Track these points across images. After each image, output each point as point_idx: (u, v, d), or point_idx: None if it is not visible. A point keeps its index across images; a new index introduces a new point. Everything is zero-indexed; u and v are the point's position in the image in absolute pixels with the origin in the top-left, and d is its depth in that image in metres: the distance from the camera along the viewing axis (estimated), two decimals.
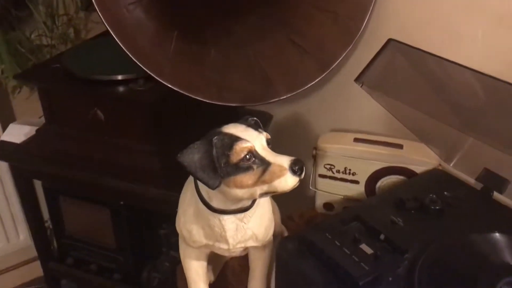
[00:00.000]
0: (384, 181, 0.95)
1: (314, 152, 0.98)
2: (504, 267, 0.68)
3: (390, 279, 0.66)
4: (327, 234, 0.70)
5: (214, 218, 0.67)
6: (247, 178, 0.61)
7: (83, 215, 1.15)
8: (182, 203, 0.73)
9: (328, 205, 1.01)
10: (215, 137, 0.61)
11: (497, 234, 0.72)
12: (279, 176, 0.60)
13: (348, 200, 0.98)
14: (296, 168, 0.60)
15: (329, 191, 0.99)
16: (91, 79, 0.99)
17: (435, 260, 0.69)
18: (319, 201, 1.01)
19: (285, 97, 0.94)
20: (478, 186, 0.85)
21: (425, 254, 0.69)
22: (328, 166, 0.97)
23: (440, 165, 0.91)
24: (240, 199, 0.65)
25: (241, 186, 0.61)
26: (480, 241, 0.72)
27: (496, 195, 0.83)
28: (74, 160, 1.05)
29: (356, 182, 0.96)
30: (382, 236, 0.72)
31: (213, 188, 0.61)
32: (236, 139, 0.61)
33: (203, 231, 0.70)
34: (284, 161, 0.61)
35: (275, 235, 0.79)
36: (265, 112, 1.19)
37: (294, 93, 0.94)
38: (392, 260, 0.68)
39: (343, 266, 0.65)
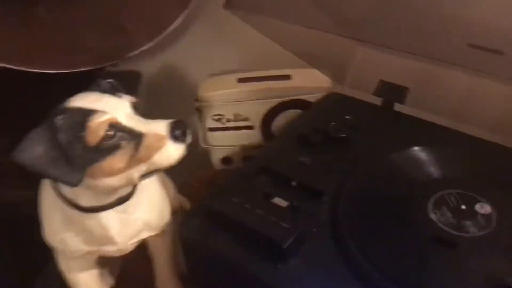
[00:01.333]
0: (280, 120, 0.85)
1: (196, 104, 0.85)
2: (432, 181, 0.62)
3: (315, 230, 0.57)
4: (233, 199, 0.59)
5: (90, 219, 0.52)
6: (116, 160, 0.47)
7: None
8: (44, 210, 0.56)
9: (226, 160, 0.89)
10: (59, 117, 0.45)
11: (415, 148, 0.65)
12: (158, 148, 0.47)
13: (246, 149, 0.87)
14: (177, 132, 0.47)
15: (223, 144, 0.87)
16: None
17: (357, 192, 0.61)
18: (215, 158, 0.90)
19: (147, 47, 0.79)
20: (379, 101, 0.79)
21: (344, 189, 0.61)
22: (216, 117, 0.85)
23: (334, 88, 0.83)
24: (115, 189, 0.50)
25: (112, 173, 0.47)
26: (400, 159, 0.65)
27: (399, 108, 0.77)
28: None
29: (250, 127, 0.86)
30: (293, 183, 0.63)
31: (75, 185, 0.46)
32: (88, 113, 0.46)
33: (80, 238, 0.55)
34: (160, 127, 0.47)
35: (173, 211, 0.66)
36: (132, 71, 1.01)
37: (157, 40, 0.79)
38: (311, 208, 0.59)
39: (260, 232, 0.55)
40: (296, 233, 0.54)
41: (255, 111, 0.85)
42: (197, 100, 0.85)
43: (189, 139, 0.48)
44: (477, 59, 0.62)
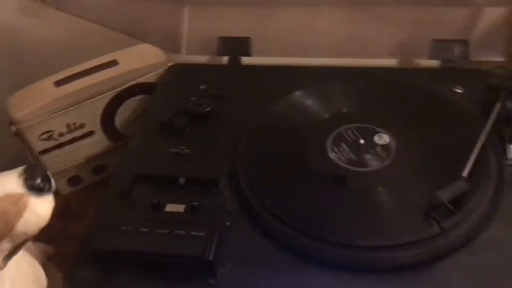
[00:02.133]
0: (123, 113, 0.73)
1: (13, 129, 0.67)
2: (324, 122, 0.59)
3: (228, 223, 0.49)
4: (122, 227, 0.47)
5: None
6: None
7: None
8: None
9: (73, 180, 0.74)
10: None
11: (297, 93, 0.61)
12: (19, 213, 0.33)
13: (93, 160, 0.73)
14: (38, 181, 0.33)
15: (64, 164, 0.72)
16: None
17: (254, 158, 0.55)
18: (60, 182, 0.73)
19: None
20: (224, 61, 0.72)
21: (240, 162, 0.54)
22: (44, 136, 0.69)
23: (172, 60, 0.73)
24: None
25: None
26: (284, 109, 0.60)
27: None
28: None
29: (91, 133, 0.72)
30: (181, 180, 0.53)
31: None
32: None
33: None
34: (11, 183, 0.33)
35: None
36: None
37: None
38: (212, 201, 0.51)
39: (175, 255, 0.45)
40: (215, 238, 0.46)
41: (89, 113, 0.70)
42: (12, 123, 0.67)
43: (53, 184, 0.35)
44: None
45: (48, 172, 0.34)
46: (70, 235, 0.66)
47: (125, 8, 0.61)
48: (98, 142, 0.73)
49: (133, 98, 0.72)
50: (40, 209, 0.33)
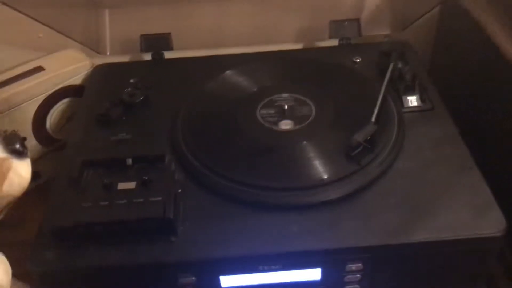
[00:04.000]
0: (54, 118, 0.75)
1: None
2: (252, 95, 0.66)
3: (180, 190, 0.54)
4: (82, 204, 0.50)
5: None
6: None
7: None
8: None
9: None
10: None
11: (227, 72, 0.68)
12: (4, 175, 0.36)
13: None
14: (18, 146, 0.36)
15: None
16: None
17: (195, 133, 0.61)
18: None
19: None
20: (147, 56, 0.77)
21: (180, 138, 0.60)
22: None
23: (96, 62, 0.76)
24: None
25: None
26: (215, 88, 0.67)
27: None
28: None
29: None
30: (129, 161, 0.57)
31: None
32: None
33: None
34: None
35: None
36: None
37: None
38: (160, 174, 0.56)
39: (139, 218, 0.49)
40: (172, 199, 0.51)
41: (20, 120, 0.72)
42: None
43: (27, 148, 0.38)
44: None
45: (22, 138, 0.37)
46: (6, 244, 0.66)
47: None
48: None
49: (62, 101, 0.74)
50: (22, 170, 0.36)
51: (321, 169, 0.55)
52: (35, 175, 0.76)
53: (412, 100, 0.64)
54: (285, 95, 0.65)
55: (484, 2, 0.69)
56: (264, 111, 0.63)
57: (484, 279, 0.55)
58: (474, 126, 0.66)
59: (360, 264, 0.50)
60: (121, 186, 0.54)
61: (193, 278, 0.50)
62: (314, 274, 0.51)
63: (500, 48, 0.62)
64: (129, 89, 0.67)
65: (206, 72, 0.70)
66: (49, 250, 0.50)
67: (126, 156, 0.57)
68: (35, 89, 0.72)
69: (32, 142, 0.74)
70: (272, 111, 0.63)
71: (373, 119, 0.57)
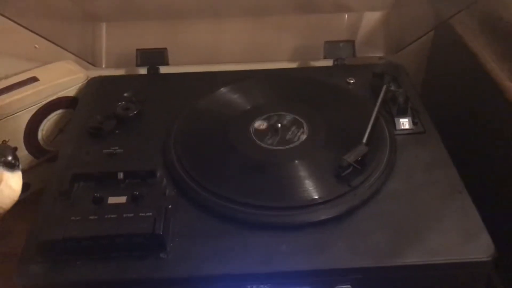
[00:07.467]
0: (46, 129, 0.74)
1: None
2: (246, 112, 0.66)
3: (170, 206, 0.54)
4: (72, 218, 0.50)
5: None
6: None
7: None
8: None
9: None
10: None
11: (221, 89, 0.68)
12: None
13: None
14: (9, 158, 0.36)
15: None
16: None
17: (187, 150, 0.61)
18: None
19: None
20: (143, 70, 0.77)
21: (173, 154, 0.60)
22: None
23: (91, 74, 0.76)
24: None
25: None
26: (209, 105, 0.67)
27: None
28: None
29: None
30: (120, 175, 0.57)
31: None
32: None
33: None
34: None
35: None
36: None
37: None
38: (151, 190, 0.56)
39: (128, 234, 0.49)
40: (162, 215, 0.50)
41: (12, 129, 0.71)
42: None
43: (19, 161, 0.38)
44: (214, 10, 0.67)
45: (13, 148, 0.37)
46: None
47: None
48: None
49: (55, 113, 0.74)
50: (13, 183, 0.36)
51: (311, 189, 0.55)
52: (24, 186, 0.76)
53: (405, 123, 0.65)
54: (278, 113, 0.65)
55: (477, 30, 0.70)
56: (257, 129, 0.63)
57: None
58: (464, 150, 0.67)
59: (349, 286, 0.50)
60: (112, 200, 0.54)
61: None
62: None
63: (491, 74, 0.63)
64: (123, 102, 0.67)
65: (201, 88, 0.71)
66: (36, 264, 0.49)
67: (117, 170, 0.57)
68: (29, 99, 0.72)
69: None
70: (265, 129, 0.63)
71: (364, 140, 0.58)
